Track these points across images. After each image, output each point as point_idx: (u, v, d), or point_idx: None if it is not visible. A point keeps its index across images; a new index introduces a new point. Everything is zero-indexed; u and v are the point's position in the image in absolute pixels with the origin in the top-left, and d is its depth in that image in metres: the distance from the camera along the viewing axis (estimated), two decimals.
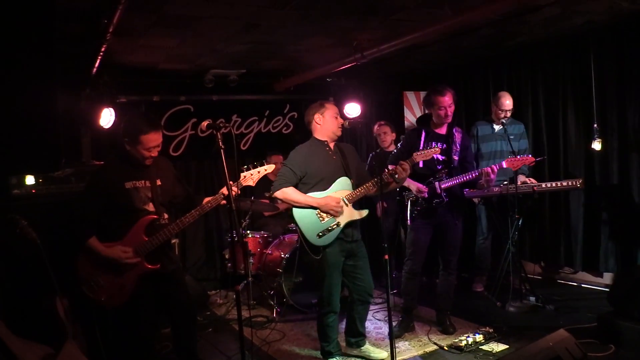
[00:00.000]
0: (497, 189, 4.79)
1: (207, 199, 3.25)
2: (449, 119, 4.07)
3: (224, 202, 3.16)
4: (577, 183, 4.47)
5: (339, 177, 3.56)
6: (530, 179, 4.83)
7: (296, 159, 3.56)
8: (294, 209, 3.52)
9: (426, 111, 4.20)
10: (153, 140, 3.08)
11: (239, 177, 3.24)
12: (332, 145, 3.66)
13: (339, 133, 3.62)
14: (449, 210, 4.11)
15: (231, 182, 2.86)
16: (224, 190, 3.14)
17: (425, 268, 4.41)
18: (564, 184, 4.56)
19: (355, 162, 3.74)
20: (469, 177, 4.04)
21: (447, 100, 4.01)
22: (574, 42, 5.18)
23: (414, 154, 3.69)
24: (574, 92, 5.29)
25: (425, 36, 4.33)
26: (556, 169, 5.47)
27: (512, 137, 5.03)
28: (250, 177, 3.26)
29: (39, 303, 3.34)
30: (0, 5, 1.76)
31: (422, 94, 4.50)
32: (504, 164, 4.13)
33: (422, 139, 4.07)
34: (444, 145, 4.05)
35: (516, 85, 5.83)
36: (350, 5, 3.86)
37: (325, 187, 3.52)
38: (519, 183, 4.67)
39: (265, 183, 5.98)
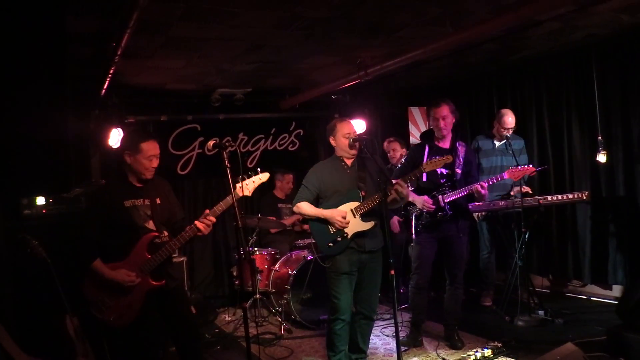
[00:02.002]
0: (502, 202, 4.79)
1: (207, 211, 3.24)
2: (446, 131, 4.11)
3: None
4: (584, 195, 4.48)
5: (352, 190, 3.68)
6: (525, 187, 4.82)
7: (310, 177, 3.77)
8: (310, 222, 3.75)
9: (430, 126, 4.25)
10: (152, 148, 3.18)
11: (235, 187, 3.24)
12: (348, 160, 3.76)
13: (351, 150, 3.70)
14: (453, 224, 4.12)
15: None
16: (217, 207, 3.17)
17: (432, 283, 4.39)
18: (570, 196, 4.57)
19: (375, 175, 3.76)
20: (467, 192, 4.07)
21: (442, 111, 4.06)
22: (577, 56, 5.22)
23: (423, 163, 3.72)
24: (577, 104, 5.31)
25: (427, 53, 4.38)
26: (562, 181, 5.47)
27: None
28: (246, 187, 3.25)
29: (49, 321, 3.37)
30: (13, 31, 1.82)
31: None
32: (505, 175, 4.18)
33: (426, 153, 4.10)
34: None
35: (520, 99, 5.87)
36: (353, 24, 3.92)
37: (339, 199, 3.69)
38: (516, 192, 4.67)
39: (272, 201, 6.06)
